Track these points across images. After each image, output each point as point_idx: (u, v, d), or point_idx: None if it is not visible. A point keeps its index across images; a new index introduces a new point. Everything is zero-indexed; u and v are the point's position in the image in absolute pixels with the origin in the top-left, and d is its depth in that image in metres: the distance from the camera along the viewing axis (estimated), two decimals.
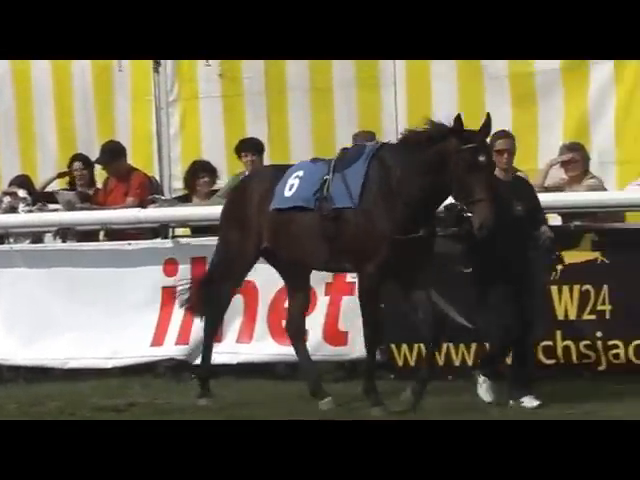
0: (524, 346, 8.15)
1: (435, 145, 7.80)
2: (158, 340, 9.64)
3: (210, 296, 8.65)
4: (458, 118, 7.63)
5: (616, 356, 8.77)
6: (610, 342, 8.77)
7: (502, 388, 8.04)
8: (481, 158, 7.71)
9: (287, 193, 8.21)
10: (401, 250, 7.82)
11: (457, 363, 9.03)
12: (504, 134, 8.32)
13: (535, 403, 7.86)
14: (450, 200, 8.03)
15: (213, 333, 8.75)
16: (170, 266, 9.57)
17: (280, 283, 9.23)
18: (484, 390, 8.08)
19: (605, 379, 8.55)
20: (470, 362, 8.87)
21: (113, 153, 10.55)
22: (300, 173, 8.28)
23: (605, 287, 8.83)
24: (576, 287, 9.00)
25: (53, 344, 9.88)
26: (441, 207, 8.14)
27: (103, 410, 7.88)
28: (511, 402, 7.94)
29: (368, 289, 8.16)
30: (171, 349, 9.54)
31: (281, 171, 8.52)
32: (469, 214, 7.66)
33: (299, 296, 8.61)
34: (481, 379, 8.10)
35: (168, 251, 9.67)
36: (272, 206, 8.24)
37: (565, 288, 9.03)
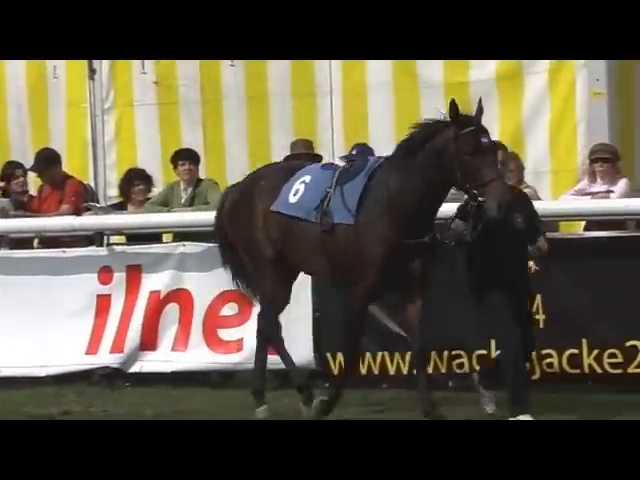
0: (524, 359, 8.05)
1: (433, 139, 7.66)
2: (92, 348, 9.61)
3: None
4: (453, 103, 7.51)
5: (550, 365, 8.84)
6: (544, 351, 8.81)
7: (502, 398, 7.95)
8: (484, 139, 7.58)
9: (291, 199, 8.11)
10: (399, 260, 7.73)
11: (392, 372, 9.10)
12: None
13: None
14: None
15: (273, 343, 8.40)
16: (105, 274, 9.57)
17: (215, 291, 9.26)
18: (487, 401, 8.03)
19: (539, 388, 8.53)
20: (405, 371, 8.92)
21: (48, 160, 10.50)
22: (307, 179, 8.15)
23: (539, 297, 8.88)
24: None
25: None
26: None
27: (37, 419, 7.78)
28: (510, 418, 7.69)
29: (355, 311, 8.14)
30: (106, 357, 9.52)
31: (290, 171, 8.34)
32: (480, 199, 7.36)
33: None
34: (484, 392, 8.07)
35: (103, 259, 9.66)
36: (274, 207, 8.11)
37: None
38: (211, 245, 9.51)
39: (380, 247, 7.72)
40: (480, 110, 7.61)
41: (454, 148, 7.47)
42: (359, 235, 7.80)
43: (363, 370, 9.15)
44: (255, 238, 8.24)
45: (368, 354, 9.27)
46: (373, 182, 7.86)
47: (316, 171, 8.24)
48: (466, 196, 7.61)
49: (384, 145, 10.79)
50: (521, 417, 7.61)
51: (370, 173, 7.92)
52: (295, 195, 8.04)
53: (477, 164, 7.42)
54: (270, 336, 8.25)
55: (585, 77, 10.91)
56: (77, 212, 9.99)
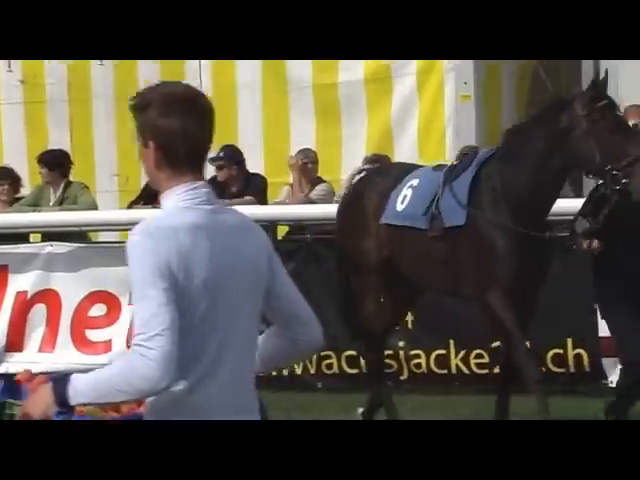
0: None
1: (554, 118, 6.92)
2: None
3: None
4: (594, 81, 6.83)
5: (418, 366, 8.88)
6: (412, 352, 8.82)
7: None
8: (619, 116, 6.93)
9: (399, 207, 7.36)
10: (525, 255, 6.97)
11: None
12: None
13: None
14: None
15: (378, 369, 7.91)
16: None
17: (84, 292, 9.25)
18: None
19: (406, 389, 8.72)
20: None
21: None
22: (415, 182, 7.39)
23: None
24: None
25: None
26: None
27: None
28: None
29: (504, 319, 7.12)
30: None
31: (402, 173, 7.59)
32: (624, 180, 6.46)
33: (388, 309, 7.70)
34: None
35: None
36: (384, 219, 7.45)
37: None
38: (80, 245, 9.59)
39: (503, 239, 7.04)
40: (605, 79, 6.87)
41: (587, 124, 6.70)
42: (477, 231, 7.14)
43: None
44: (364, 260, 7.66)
45: None
46: (483, 174, 7.17)
47: (426, 174, 7.53)
48: (600, 181, 6.88)
49: (253, 145, 11.07)
50: None
51: (479, 165, 7.22)
52: (403, 202, 7.37)
53: (618, 140, 6.69)
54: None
55: (453, 80, 11.11)
56: None
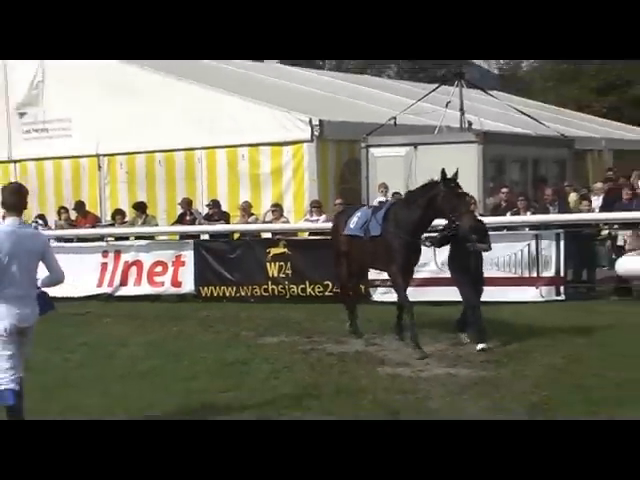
0: (479, 309, 11.41)
1: (430, 190, 11.00)
2: None
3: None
4: (443, 172, 10.72)
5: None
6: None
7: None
8: (460, 190, 10.75)
9: (351, 225, 11.92)
10: (409, 255, 11.32)
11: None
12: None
13: (483, 346, 11.17)
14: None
15: (353, 315, 12.57)
16: None
17: None
18: (463, 338, 11.58)
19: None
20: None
21: None
22: (358, 214, 11.98)
23: (289, 264, 16.21)
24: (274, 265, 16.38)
25: None
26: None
27: None
28: (475, 345, 11.26)
29: (395, 281, 11.57)
30: None
31: (352, 210, 12.36)
32: (457, 223, 10.83)
33: (355, 277, 12.87)
34: (459, 334, 11.68)
35: None
36: (345, 232, 11.99)
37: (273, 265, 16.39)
38: None
39: (398, 242, 11.27)
40: (456, 174, 10.87)
41: (443, 194, 10.77)
42: (386, 239, 11.36)
43: None
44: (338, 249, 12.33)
45: None
46: (390, 210, 11.50)
47: (363, 209, 12.21)
48: (445, 222, 11.25)
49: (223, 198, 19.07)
50: (480, 345, 11.15)
51: (389, 207, 11.75)
52: (353, 224, 11.91)
53: (457, 202, 10.76)
54: (344, 300, 12.80)
55: (308, 171, 18.94)
56: None
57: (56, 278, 7.19)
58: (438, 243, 11.38)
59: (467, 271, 11.16)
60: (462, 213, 10.64)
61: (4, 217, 7.14)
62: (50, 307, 7.33)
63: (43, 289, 7.21)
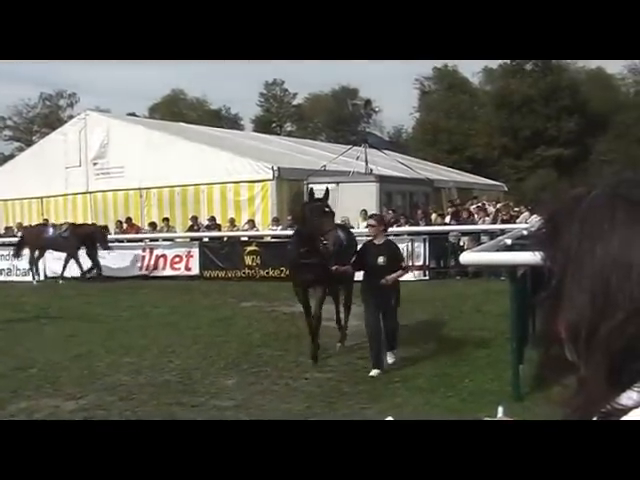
0: (380, 336, 10.96)
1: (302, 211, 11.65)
2: None
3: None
4: (311, 191, 11.60)
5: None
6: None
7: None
8: (326, 209, 10.92)
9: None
10: (303, 269, 11.58)
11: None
12: (373, 217, 11.80)
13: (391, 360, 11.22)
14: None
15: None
16: None
17: None
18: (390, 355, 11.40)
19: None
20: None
21: None
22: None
23: (259, 257, 23.66)
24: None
25: None
26: None
27: None
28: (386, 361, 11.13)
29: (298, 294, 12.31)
30: None
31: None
32: (325, 242, 10.91)
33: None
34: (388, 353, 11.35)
35: None
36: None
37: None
38: None
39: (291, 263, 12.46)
40: (327, 192, 11.27)
41: (309, 214, 11.07)
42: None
43: None
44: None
45: None
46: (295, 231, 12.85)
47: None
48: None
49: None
50: (373, 371, 10.72)
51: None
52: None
53: (324, 221, 10.90)
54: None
55: (270, 203, 29.25)
56: None
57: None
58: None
59: (371, 296, 10.92)
60: (327, 231, 11.00)
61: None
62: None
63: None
